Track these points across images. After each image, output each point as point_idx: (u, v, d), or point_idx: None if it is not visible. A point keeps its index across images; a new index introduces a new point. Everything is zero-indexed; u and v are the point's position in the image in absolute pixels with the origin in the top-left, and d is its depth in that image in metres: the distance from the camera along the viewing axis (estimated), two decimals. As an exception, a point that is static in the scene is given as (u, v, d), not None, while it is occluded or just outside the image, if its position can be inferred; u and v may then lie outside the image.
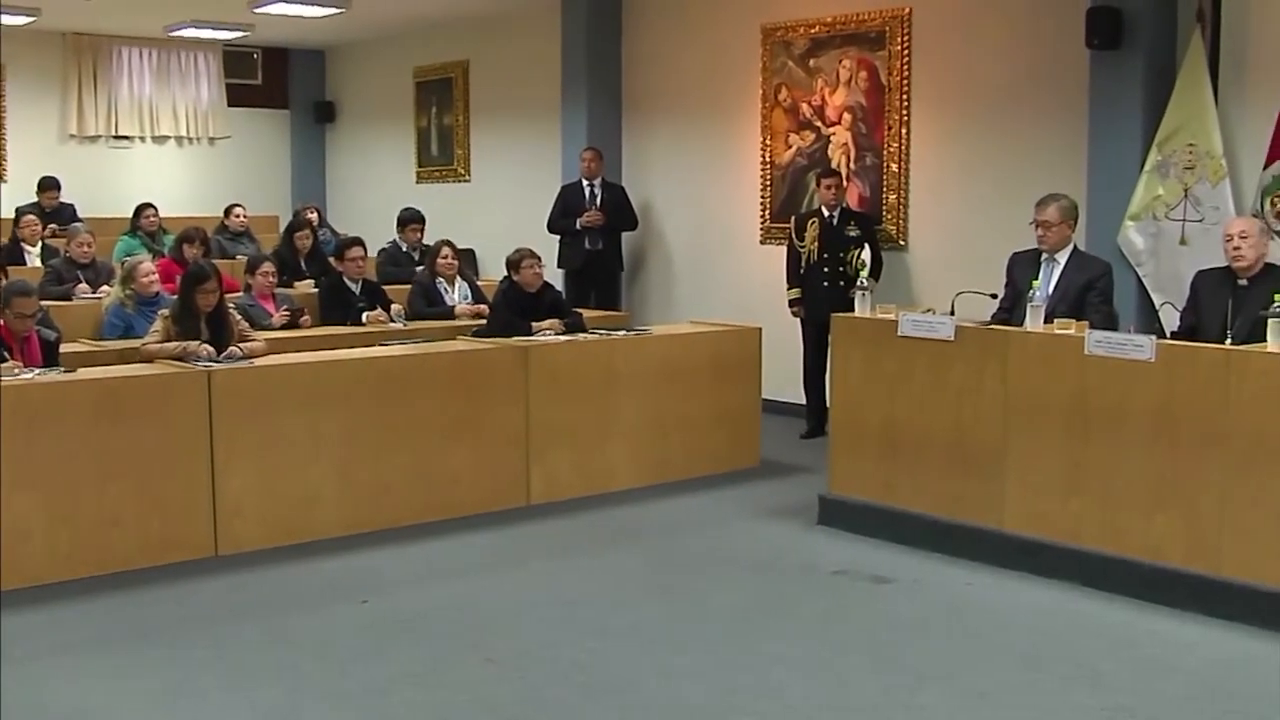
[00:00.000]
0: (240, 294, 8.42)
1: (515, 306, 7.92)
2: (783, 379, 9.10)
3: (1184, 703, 4.54)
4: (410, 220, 10.30)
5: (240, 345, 6.85)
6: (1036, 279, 6.46)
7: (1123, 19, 7.57)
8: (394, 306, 8.67)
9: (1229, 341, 5.80)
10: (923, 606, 5.59)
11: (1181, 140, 7.47)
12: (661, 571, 6.09)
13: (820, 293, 8.69)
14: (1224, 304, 6.07)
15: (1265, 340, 5.36)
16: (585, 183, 10.59)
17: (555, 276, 10.31)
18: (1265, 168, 7.20)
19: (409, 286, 9.21)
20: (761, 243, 10.16)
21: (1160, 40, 7.63)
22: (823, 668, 4.84)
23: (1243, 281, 6.09)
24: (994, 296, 6.79)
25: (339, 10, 11.50)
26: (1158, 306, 7.48)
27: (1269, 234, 6.55)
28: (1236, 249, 6.08)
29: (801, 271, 8.90)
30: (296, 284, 9.46)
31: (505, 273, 8.18)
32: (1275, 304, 5.34)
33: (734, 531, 6.78)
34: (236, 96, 14.57)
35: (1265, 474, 5.20)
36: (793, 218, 9.20)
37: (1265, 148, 7.19)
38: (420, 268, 9.61)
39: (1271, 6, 7.23)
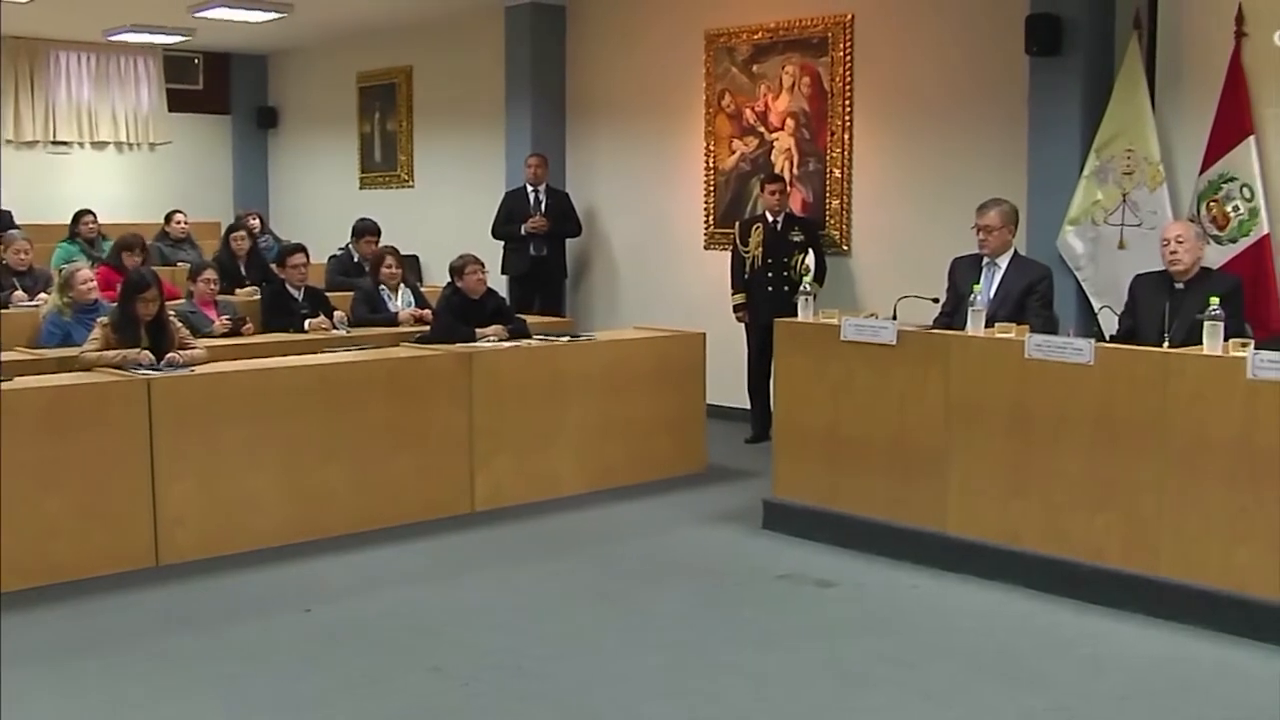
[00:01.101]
0: (181, 301, 8.35)
1: (459, 313, 7.89)
2: (728, 384, 9.13)
3: (1123, 701, 4.59)
4: (366, 231, 10.21)
5: (181, 353, 6.78)
6: (977, 283, 6.51)
7: (1061, 26, 7.65)
8: (337, 313, 8.61)
9: (1166, 344, 5.86)
10: (867, 609, 5.62)
11: (1120, 146, 7.55)
12: (607, 577, 6.09)
13: (764, 298, 8.72)
14: (1161, 307, 6.14)
15: (1202, 343, 5.42)
16: (530, 189, 10.58)
17: (499, 283, 10.30)
18: (1201, 173, 7.28)
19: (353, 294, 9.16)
20: (706, 248, 10.19)
21: (1098, 47, 7.71)
22: (768, 671, 4.85)
23: (1179, 285, 6.16)
24: (936, 301, 6.84)
25: (281, 15, 11.44)
26: (1097, 310, 7.55)
27: (1205, 238, 6.65)
28: (1173, 253, 6.15)
29: (746, 277, 8.93)
30: (238, 291, 9.39)
31: (449, 279, 8.15)
32: (1211, 307, 5.40)
33: (679, 537, 6.78)
34: (177, 101, 14.44)
35: (1202, 474, 5.26)
36: (737, 223, 9.24)
37: (1201, 153, 7.27)
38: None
39: (1206, 14, 7.32)
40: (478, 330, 7.72)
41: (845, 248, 9.25)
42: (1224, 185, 7.19)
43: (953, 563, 6.03)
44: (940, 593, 5.80)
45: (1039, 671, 4.86)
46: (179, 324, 7.14)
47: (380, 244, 9.95)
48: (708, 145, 10.11)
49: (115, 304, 7.07)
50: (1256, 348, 5.29)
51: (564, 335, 8.11)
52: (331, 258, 10.41)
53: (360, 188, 13.49)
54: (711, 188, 10.12)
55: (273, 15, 11.46)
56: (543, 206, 10.52)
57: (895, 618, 5.50)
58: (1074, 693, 4.66)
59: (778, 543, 6.59)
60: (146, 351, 6.66)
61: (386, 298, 8.96)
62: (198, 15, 11.42)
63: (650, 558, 6.41)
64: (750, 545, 6.59)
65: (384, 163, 13.26)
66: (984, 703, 4.57)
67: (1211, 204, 7.24)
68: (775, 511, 6.79)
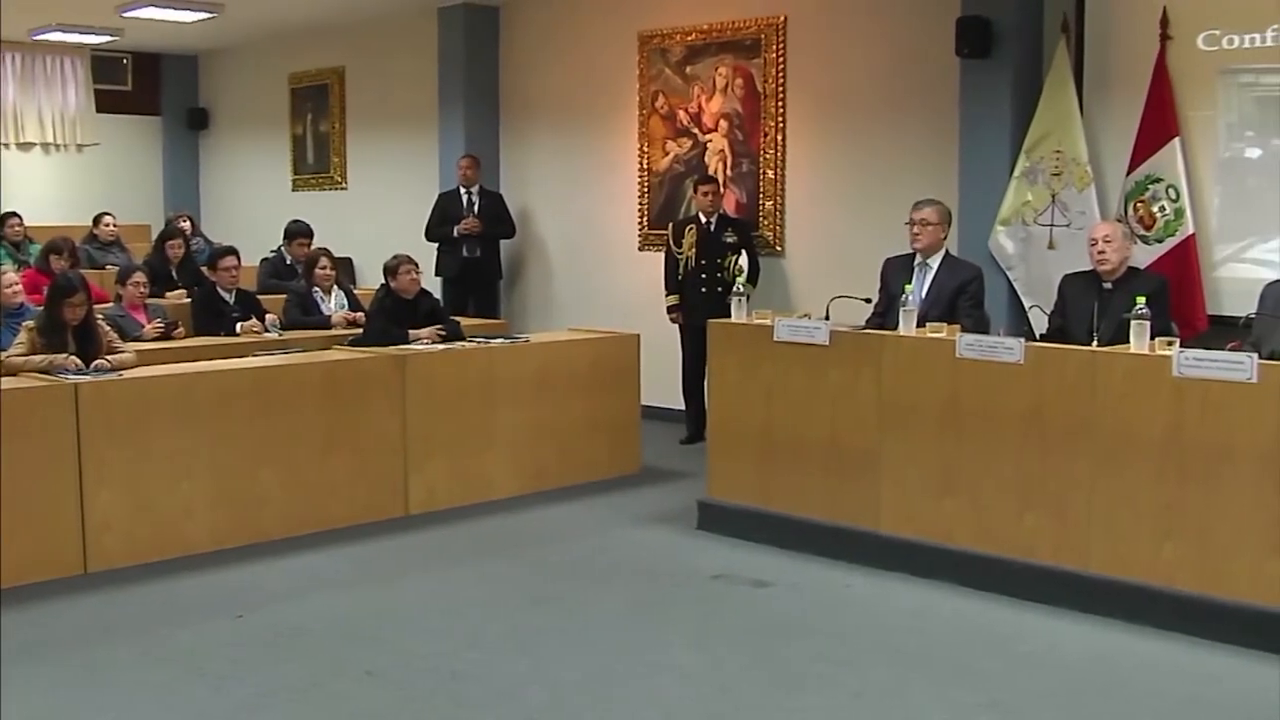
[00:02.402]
0: (110, 304, 8.24)
1: (392, 314, 7.85)
2: (662, 385, 9.14)
3: (1054, 696, 4.64)
4: (299, 234, 10.13)
5: (109, 357, 6.68)
6: (909, 283, 6.55)
7: (991, 28, 7.72)
8: (269, 316, 8.54)
9: (1095, 343, 5.93)
10: (802, 608, 5.64)
11: (1049, 147, 7.63)
12: (541, 580, 6.07)
13: (698, 299, 8.73)
14: (1090, 306, 6.21)
15: (1129, 341, 5.49)
16: (463, 190, 10.56)
17: (434, 284, 10.25)
18: (1128, 173, 7.38)
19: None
20: (640, 249, 10.19)
21: (1027, 49, 7.79)
22: (703, 671, 4.86)
23: (1108, 284, 6.24)
24: (868, 301, 6.88)
25: (211, 15, 11.33)
26: (1027, 309, 7.63)
27: (1132, 238, 6.72)
28: (1101, 253, 6.23)
29: (680, 278, 8.94)
30: (168, 294, 9.28)
31: (383, 279, 8.11)
32: (1138, 306, 5.47)
33: (614, 538, 6.78)
34: (105, 102, 14.23)
35: (1130, 471, 5.33)
36: (670, 224, 9.25)
37: (1128, 154, 7.37)
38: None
39: (1132, 18, 7.41)
40: (411, 332, 7.68)
41: (779, 248, 9.29)
42: (1150, 186, 7.29)
43: (886, 561, 6.06)
44: (874, 591, 5.83)
45: (971, 668, 4.90)
46: (107, 328, 7.05)
47: (313, 246, 9.88)
48: (641, 147, 10.12)
49: (42, 308, 6.97)
50: (1182, 346, 5.37)
51: (498, 337, 8.08)
52: (264, 260, 10.32)
53: (293, 190, 13.38)
54: (645, 189, 10.13)
55: (202, 15, 11.34)
56: (475, 208, 10.49)
57: (829, 617, 5.52)
58: (1005, 688, 4.70)
59: (712, 543, 6.60)
60: (73, 356, 6.55)
61: (319, 300, 8.90)
62: (126, 15, 11.28)
63: (585, 559, 6.40)
64: (685, 546, 6.60)
65: (317, 164, 13.16)
66: (916, 700, 4.60)
67: (1138, 204, 7.34)
68: (710, 512, 6.80)
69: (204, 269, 9.10)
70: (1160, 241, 7.27)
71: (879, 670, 4.88)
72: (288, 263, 10.02)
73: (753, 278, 8.51)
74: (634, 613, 5.58)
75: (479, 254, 10.48)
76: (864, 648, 5.12)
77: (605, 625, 5.40)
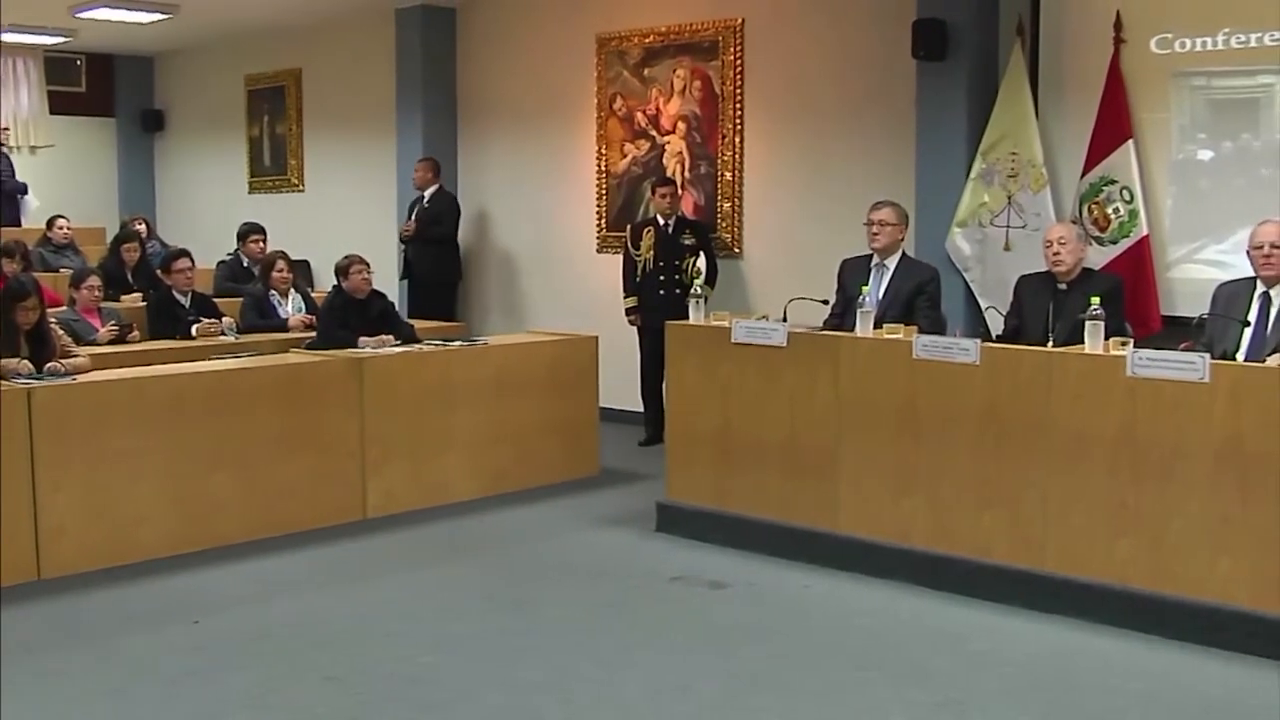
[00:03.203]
0: (64, 308, 8.18)
1: (342, 315, 7.83)
2: (621, 387, 9.14)
3: (1011, 694, 4.66)
4: (251, 233, 10.09)
5: (63, 361, 6.62)
6: (866, 285, 6.59)
7: (947, 31, 7.77)
8: (226, 320, 8.49)
9: (1050, 343, 5.98)
10: (760, 610, 5.65)
11: (1004, 149, 7.68)
12: (500, 582, 6.06)
13: (656, 301, 8.75)
14: (1045, 307, 6.26)
15: (1084, 342, 5.53)
16: (419, 193, 10.55)
17: (403, 287, 10.28)
18: (1083, 175, 7.45)
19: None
20: (598, 251, 10.20)
21: (983, 52, 7.85)
22: (662, 673, 4.86)
23: (1062, 285, 6.28)
24: (825, 303, 6.90)
25: (166, 16, 11.26)
26: (984, 310, 7.68)
27: (1086, 239, 6.78)
28: (1056, 254, 6.28)
29: (638, 280, 8.96)
30: (124, 298, 9.22)
31: (335, 280, 8.09)
32: (1092, 307, 5.51)
33: (573, 540, 6.78)
34: (59, 104, 14.11)
35: (1084, 471, 5.37)
36: (628, 226, 9.27)
37: (1082, 156, 7.45)
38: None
39: (1086, 21, 7.48)
40: (361, 339, 7.63)
41: (737, 250, 9.31)
42: (1105, 188, 7.36)
43: (844, 562, 6.08)
44: (832, 592, 5.85)
45: (928, 667, 4.92)
46: (61, 332, 6.99)
47: (267, 245, 9.84)
48: (599, 149, 10.12)
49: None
50: (1136, 346, 5.42)
51: (456, 340, 8.06)
52: (220, 263, 10.27)
53: (249, 192, 13.31)
54: (603, 191, 10.14)
55: (157, 16, 11.28)
56: (421, 211, 10.51)
57: (787, 618, 5.53)
58: (961, 687, 4.72)
59: (671, 545, 6.61)
60: (26, 361, 6.49)
61: (276, 303, 8.86)
62: (79, 15, 11.20)
63: (543, 562, 6.40)
64: (643, 548, 6.60)
65: (273, 167, 13.10)
66: (874, 699, 4.62)
67: (1093, 206, 7.40)
68: (668, 514, 6.81)
69: (159, 272, 9.03)
70: (1115, 243, 7.34)
71: (836, 670, 4.90)
72: (244, 265, 9.97)
73: (711, 279, 8.60)
74: (593, 614, 5.57)
75: (416, 256, 10.50)
76: (822, 648, 5.14)
77: (564, 627, 5.40)
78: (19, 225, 12.10)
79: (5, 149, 12.81)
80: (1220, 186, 7.16)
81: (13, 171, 12.74)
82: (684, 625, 5.43)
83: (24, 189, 12.94)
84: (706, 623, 5.47)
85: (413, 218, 10.49)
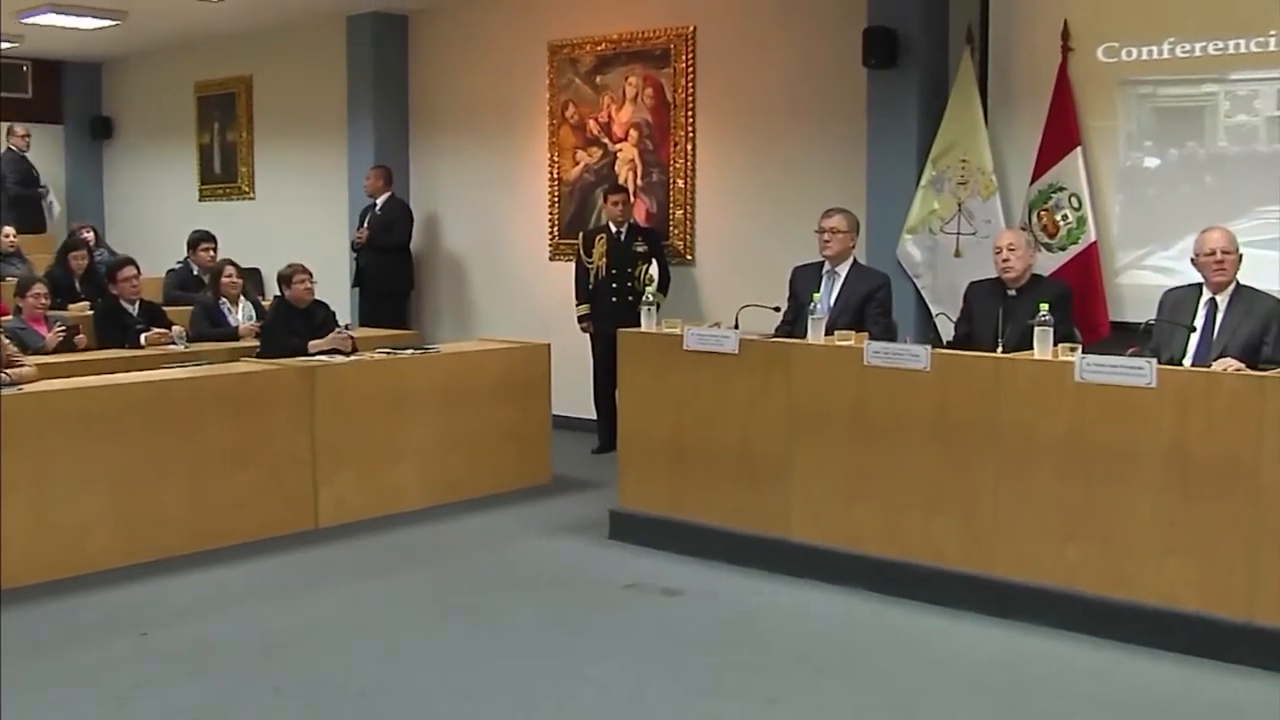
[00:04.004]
0: (10, 317, 8.09)
1: (287, 324, 7.79)
2: (574, 395, 9.13)
3: (963, 698, 4.69)
4: (201, 241, 10.01)
5: (9, 371, 6.55)
6: (818, 292, 6.61)
7: (897, 39, 7.80)
8: (175, 328, 8.41)
9: (1000, 349, 6.01)
10: (714, 617, 5.65)
11: (954, 156, 7.73)
12: (453, 591, 6.03)
13: (609, 308, 8.74)
14: (995, 313, 6.30)
15: (1033, 347, 5.57)
16: (372, 200, 10.51)
17: (354, 295, 10.23)
18: (1032, 182, 7.50)
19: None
20: (551, 259, 10.19)
21: (933, 60, 7.89)
22: (616, 681, 4.85)
23: (1012, 292, 6.33)
24: (777, 310, 6.92)
25: (114, 23, 11.16)
26: (934, 316, 7.72)
27: (1036, 246, 6.83)
28: (1005, 260, 6.32)
29: (590, 287, 8.95)
30: (71, 306, 9.12)
31: (278, 290, 8.06)
32: (1041, 313, 5.55)
33: (526, 549, 6.76)
34: (6, 110, 13.89)
35: (1033, 475, 5.41)
36: (581, 234, 9.26)
37: (1031, 163, 7.49)
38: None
39: (1035, 30, 7.54)
40: (311, 344, 7.60)
41: (689, 257, 9.32)
42: (1053, 195, 7.41)
43: (797, 568, 6.10)
44: (785, 598, 5.86)
45: (880, 672, 4.94)
46: (6, 341, 6.91)
47: (218, 254, 9.77)
48: (552, 156, 10.11)
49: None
50: (1084, 351, 5.46)
51: (408, 348, 8.03)
52: (170, 272, 10.20)
53: (200, 200, 13.20)
54: (556, 199, 10.13)
55: (105, 23, 11.17)
56: (373, 219, 10.46)
57: (741, 624, 5.54)
58: (913, 691, 4.74)
59: (624, 552, 6.60)
60: (-29, 370, 6.43)
61: (227, 311, 8.78)
62: (25, 20, 11.06)
63: (496, 570, 6.38)
64: (596, 556, 6.59)
65: (224, 174, 13.00)
66: (828, 704, 4.63)
67: (1042, 213, 7.45)
68: (621, 521, 6.80)
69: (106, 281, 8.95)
70: (1063, 249, 7.39)
71: (790, 676, 4.90)
72: (194, 274, 9.89)
73: (663, 287, 8.61)
74: (546, 623, 5.56)
75: (368, 264, 10.46)
76: (775, 654, 5.14)
77: (517, 636, 5.38)
78: (44, 230, 11.91)
79: (17, 152, 12.52)
80: (1166, 193, 7.23)
81: (32, 177, 12.42)
82: (637, 633, 5.42)
83: (45, 193, 12.79)
84: (660, 630, 5.47)
85: (365, 225, 10.45)
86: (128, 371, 7.09)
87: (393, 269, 10.56)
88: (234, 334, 8.58)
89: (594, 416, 9.11)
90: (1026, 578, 5.45)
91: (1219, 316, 5.79)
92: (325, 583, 6.16)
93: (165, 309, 8.83)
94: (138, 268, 8.62)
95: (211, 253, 9.84)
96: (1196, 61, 7.02)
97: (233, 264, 8.98)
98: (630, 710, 4.59)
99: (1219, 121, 7.02)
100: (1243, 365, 5.34)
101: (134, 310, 8.44)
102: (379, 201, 10.51)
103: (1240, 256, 5.83)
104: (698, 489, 6.50)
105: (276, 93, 12.36)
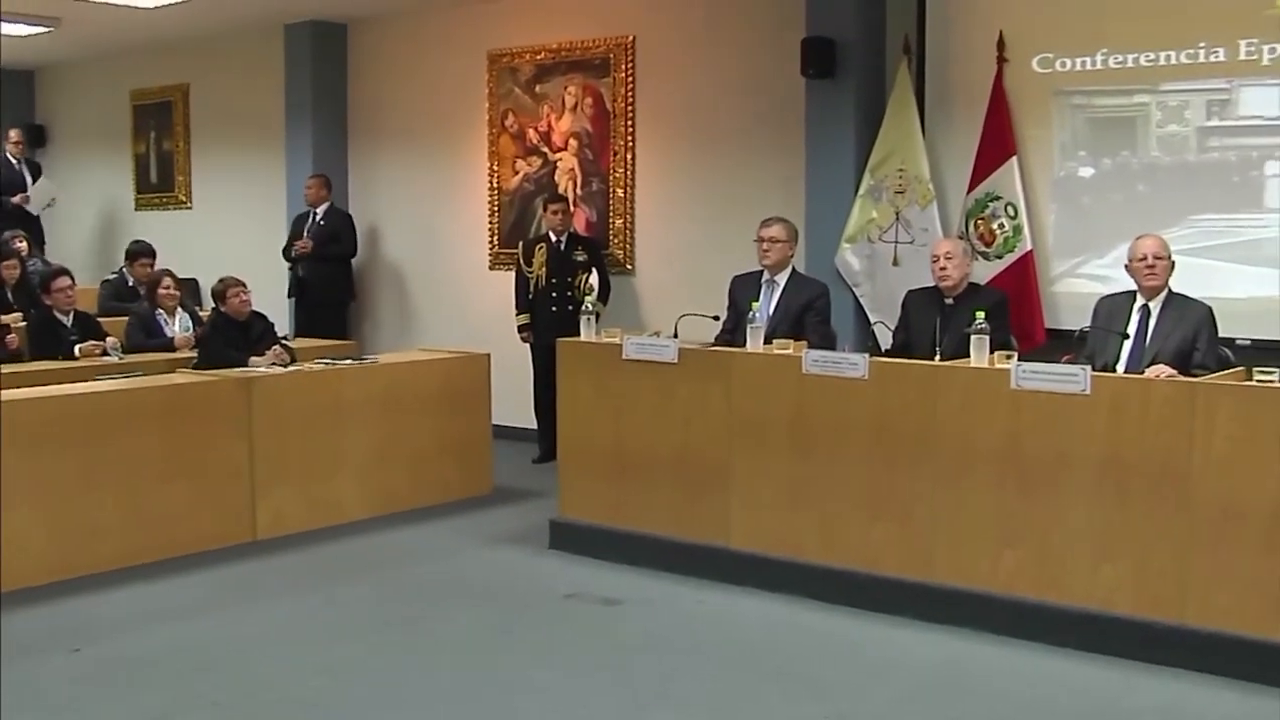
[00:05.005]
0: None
1: (225, 337, 7.72)
2: (514, 404, 9.11)
3: (902, 704, 4.72)
4: (140, 254, 9.90)
5: (-62, 383, 6.46)
6: (757, 300, 6.63)
7: (835, 49, 7.84)
8: (110, 339, 8.31)
9: (938, 357, 6.06)
10: (654, 626, 5.65)
11: (892, 165, 7.77)
12: (392, 603, 6.00)
13: (549, 318, 8.73)
14: (933, 322, 6.35)
15: (970, 355, 5.61)
16: (310, 210, 10.43)
17: (287, 306, 10.14)
18: (969, 191, 7.56)
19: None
20: (490, 268, 10.17)
21: (871, 70, 7.93)
22: (555, 691, 4.84)
23: (949, 300, 6.38)
24: (716, 319, 6.94)
25: (47, 30, 11.02)
26: (873, 325, 7.77)
27: (973, 254, 6.89)
28: (943, 269, 6.38)
29: (530, 297, 8.93)
30: (3, 317, 8.98)
31: (214, 304, 7.99)
32: (978, 321, 5.59)
33: (466, 559, 6.73)
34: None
35: (971, 482, 5.45)
36: (520, 243, 9.24)
37: (968, 172, 7.55)
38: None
39: (971, 41, 7.60)
40: (253, 358, 7.53)
41: (629, 267, 9.33)
42: (990, 204, 7.47)
43: (737, 576, 6.10)
44: (725, 606, 5.87)
45: (820, 679, 4.96)
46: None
47: (156, 267, 9.66)
48: (491, 165, 10.10)
49: None
50: (1020, 359, 5.51)
51: (346, 358, 7.98)
52: (105, 282, 10.08)
53: (136, 209, 13.05)
54: (495, 208, 10.11)
55: (38, 30, 11.02)
56: (316, 228, 10.38)
57: (681, 633, 5.54)
58: (853, 698, 4.76)
59: (564, 562, 6.59)
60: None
61: (163, 323, 8.69)
62: (-44, 29, 10.93)
63: (436, 582, 6.34)
64: (537, 566, 6.58)
65: (160, 183, 12.87)
66: (768, 713, 4.64)
67: (978, 222, 7.51)
68: (561, 531, 6.78)
69: (39, 292, 8.82)
70: (1000, 258, 7.45)
71: (730, 685, 4.91)
72: (130, 284, 9.79)
73: (603, 296, 8.61)
74: (486, 634, 5.53)
75: (311, 275, 10.38)
76: (715, 663, 5.15)
77: (457, 647, 5.35)
78: (43, 246, 11.61)
79: (12, 160, 12.15)
80: (1100, 202, 7.31)
81: (21, 184, 12.01)
82: (577, 643, 5.41)
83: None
84: (600, 640, 5.46)
85: (306, 235, 10.36)
86: (61, 383, 7.00)
87: (332, 279, 10.49)
88: (170, 345, 8.50)
89: (534, 426, 9.10)
90: (964, 584, 5.49)
91: (1151, 323, 5.87)
92: (263, 596, 6.10)
93: (100, 320, 8.72)
94: (72, 278, 8.51)
95: (150, 267, 9.73)
96: (1129, 72, 7.12)
97: (170, 274, 8.89)
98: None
99: (1151, 131, 7.11)
100: (1175, 372, 5.43)
101: (68, 321, 8.33)
102: (319, 211, 10.43)
103: (1172, 263, 5.91)
104: (638, 498, 6.50)
105: (214, 101, 12.25)
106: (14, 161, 11.78)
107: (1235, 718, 4.61)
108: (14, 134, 11.87)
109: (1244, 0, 6.74)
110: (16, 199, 11.36)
